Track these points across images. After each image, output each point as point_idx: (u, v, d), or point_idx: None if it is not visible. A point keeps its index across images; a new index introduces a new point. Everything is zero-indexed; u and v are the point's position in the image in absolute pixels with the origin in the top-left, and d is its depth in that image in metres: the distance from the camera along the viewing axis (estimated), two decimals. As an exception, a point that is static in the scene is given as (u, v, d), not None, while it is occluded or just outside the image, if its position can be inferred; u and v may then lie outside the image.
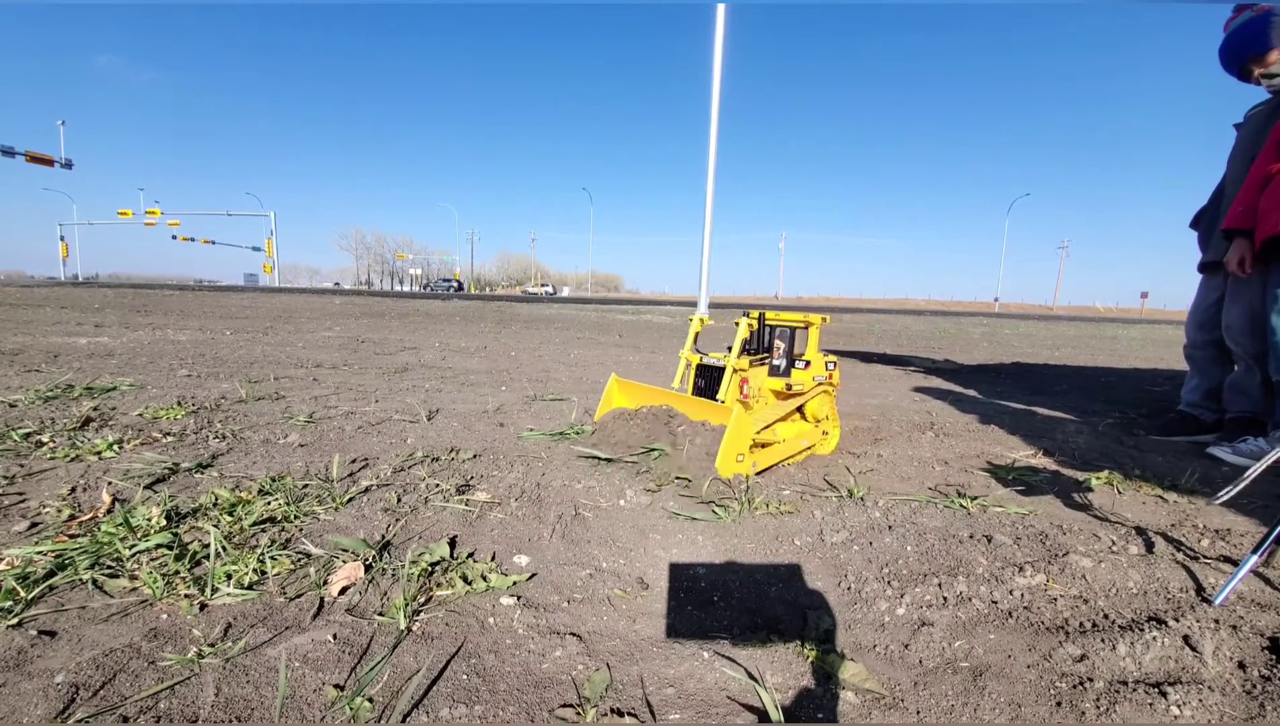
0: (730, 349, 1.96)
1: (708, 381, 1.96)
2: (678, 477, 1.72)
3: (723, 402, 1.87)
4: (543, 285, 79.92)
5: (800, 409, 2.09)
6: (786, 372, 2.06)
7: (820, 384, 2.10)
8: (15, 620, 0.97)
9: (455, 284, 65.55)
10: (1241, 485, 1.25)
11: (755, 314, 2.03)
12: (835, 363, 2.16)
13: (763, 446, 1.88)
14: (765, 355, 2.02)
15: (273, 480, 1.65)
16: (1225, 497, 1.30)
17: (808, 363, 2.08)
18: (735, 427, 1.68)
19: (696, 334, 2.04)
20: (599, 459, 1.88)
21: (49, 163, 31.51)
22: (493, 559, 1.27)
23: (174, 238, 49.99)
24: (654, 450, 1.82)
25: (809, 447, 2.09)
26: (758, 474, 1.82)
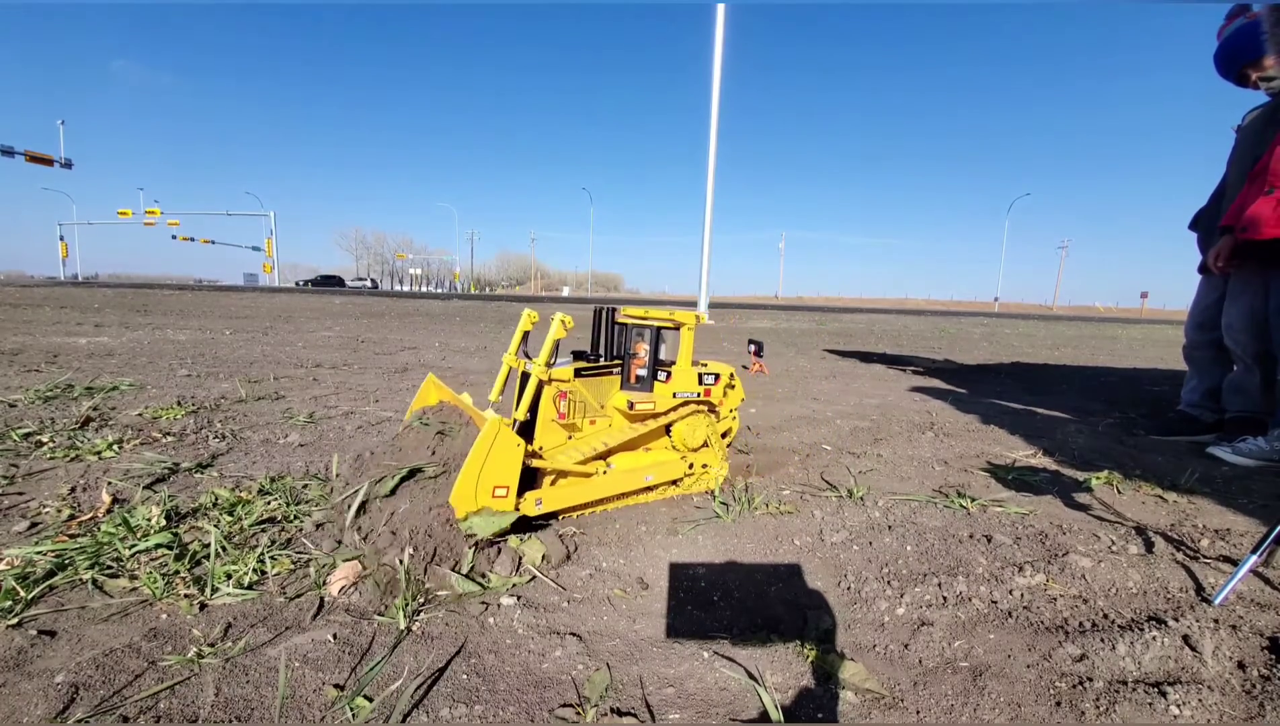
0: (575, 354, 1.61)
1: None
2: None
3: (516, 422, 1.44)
4: (359, 279, 62.66)
5: (671, 432, 1.68)
6: (649, 386, 1.63)
7: (687, 403, 1.66)
8: (15, 620, 0.97)
9: (370, 282, 59.89)
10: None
11: (629, 309, 1.66)
12: (721, 375, 1.72)
13: (584, 476, 1.50)
14: (618, 362, 1.63)
15: (273, 480, 1.65)
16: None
17: (669, 374, 1.63)
18: (484, 451, 1.24)
19: (525, 333, 1.58)
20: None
21: (48, 162, 31.50)
22: (493, 558, 1.27)
23: (174, 237, 49.98)
24: (415, 471, 1.40)
25: (663, 484, 1.66)
26: (544, 517, 1.44)
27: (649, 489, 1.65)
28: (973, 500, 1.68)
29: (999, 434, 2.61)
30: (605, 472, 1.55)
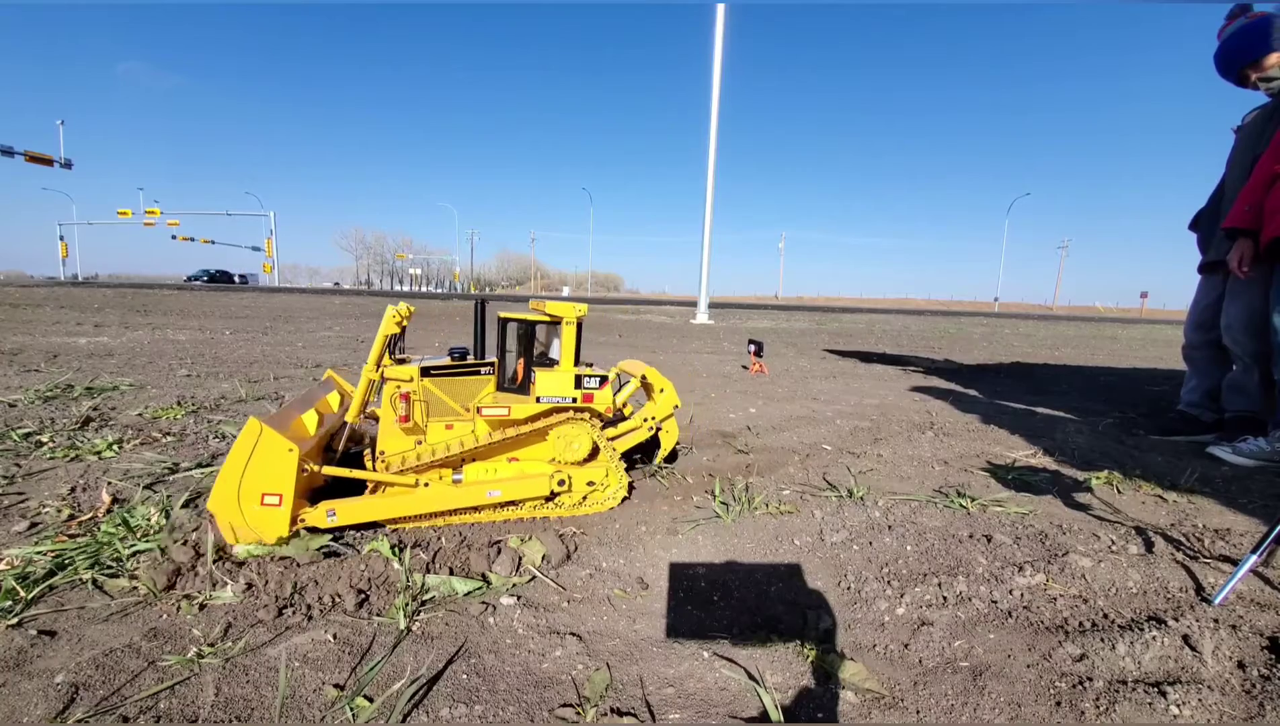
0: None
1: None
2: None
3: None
4: (241, 276, 51.18)
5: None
6: (524, 388, 1.47)
7: (556, 407, 1.44)
8: (15, 620, 0.97)
9: (208, 274, 48.04)
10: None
11: (536, 303, 1.51)
12: (609, 378, 1.48)
13: (407, 487, 1.36)
14: (485, 362, 1.48)
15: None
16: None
17: (531, 377, 1.46)
18: (244, 455, 1.13)
19: (402, 328, 1.42)
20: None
21: (48, 162, 31.46)
22: (492, 558, 1.27)
23: (174, 237, 49.89)
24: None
25: (529, 500, 1.46)
26: (357, 527, 1.31)
27: (508, 505, 1.44)
28: (973, 500, 1.68)
29: (999, 434, 2.61)
30: (427, 485, 1.38)
